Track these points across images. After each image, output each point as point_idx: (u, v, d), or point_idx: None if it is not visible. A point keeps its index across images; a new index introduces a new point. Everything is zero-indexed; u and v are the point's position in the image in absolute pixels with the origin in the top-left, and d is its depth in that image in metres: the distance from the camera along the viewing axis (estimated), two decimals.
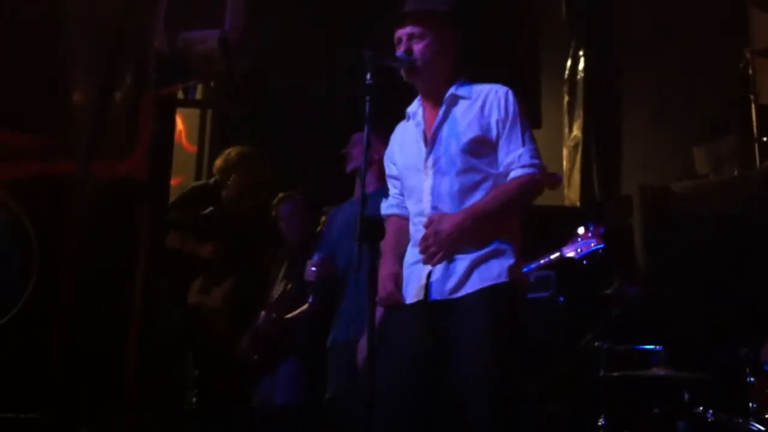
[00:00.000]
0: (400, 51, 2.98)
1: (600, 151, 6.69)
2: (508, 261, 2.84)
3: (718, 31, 6.08)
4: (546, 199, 6.75)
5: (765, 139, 5.55)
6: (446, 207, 2.89)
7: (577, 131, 6.81)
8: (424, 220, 2.90)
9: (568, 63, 7.01)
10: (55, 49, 5.51)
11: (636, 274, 5.21)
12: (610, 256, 5.19)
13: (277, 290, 4.92)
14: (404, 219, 3.07)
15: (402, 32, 3.01)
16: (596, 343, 4.32)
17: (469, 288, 2.81)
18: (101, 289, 5.18)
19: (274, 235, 5.09)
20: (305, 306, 4.72)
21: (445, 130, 2.96)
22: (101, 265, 5.26)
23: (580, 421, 4.41)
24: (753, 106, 5.70)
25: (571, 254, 4.07)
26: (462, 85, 3.02)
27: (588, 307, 4.75)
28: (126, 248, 5.42)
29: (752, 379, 3.78)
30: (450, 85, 3.01)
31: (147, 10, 5.51)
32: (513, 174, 2.88)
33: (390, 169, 3.16)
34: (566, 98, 7.00)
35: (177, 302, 5.49)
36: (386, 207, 3.17)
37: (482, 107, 2.94)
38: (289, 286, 4.87)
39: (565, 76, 7.03)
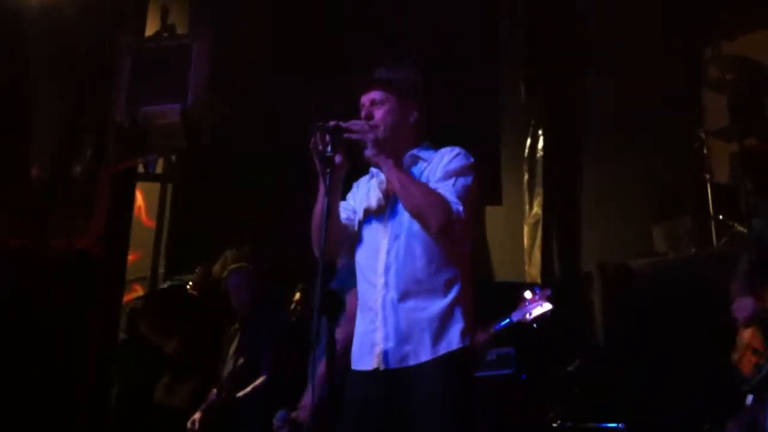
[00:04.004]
0: (361, 117, 3.00)
1: (560, 228, 6.74)
2: (459, 325, 2.82)
3: (673, 112, 6.22)
4: (507, 275, 6.88)
5: (721, 217, 5.63)
6: (401, 266, 2.86)
7: (537, 208, 6.87)
8: (380, 278, 2.88)
9: (528, 141, 7.12)
10: (14, 124, 5.50)
11: (596, 352, 5.19)
12: (571, 333, 5.21)
13: (228, 366, 4.82)
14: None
15: (365, 98, 3.03)
16: (558, 422, 4.26)
17: (422, 357, 2.77)
18: (50, 372, 5.07)
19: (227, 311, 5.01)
20: (259, 381, 4.63)
21: None
22: (52, 342, 5.16)
23: None
24: (708, 185, 5.79)
25: (520, 319, 4.05)
26: (424, 149, 3.04)
27: (550, 384, 4.71)
28: (79, 325, 5.32)
29: None
30: (412, 149, 3.03)
31: (108, 85, 5.53)
32: None
33: (346, 215, 3.10)
34: (526, 176, 7.08)
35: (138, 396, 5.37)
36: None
37: (435, 164, 2.96)
38: (240, 360, 4.77)
39: (525, 154, 7.12)
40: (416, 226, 2.87)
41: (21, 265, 5.20)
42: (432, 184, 2.88)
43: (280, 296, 5.08)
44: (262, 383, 4.63)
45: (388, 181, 2.91)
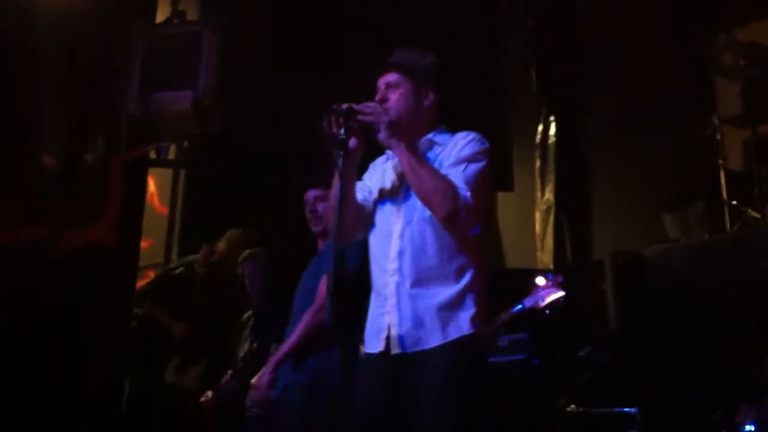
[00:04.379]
0: (376, 99, 3.00)
1: (572, 215, 6.73)
2: (469, 311, 2.82)
3: (685, 99, 6.20)
4: (519, 262, 6.88)
5: (734, 203, 5.61)
6: (413, 251, 2.87)
7: (549, 195, 6.86)
8: (393, 263, 2.88)
9: (540, 128, 7.10)
10: (26, 114, 5.51)
11: (609, 338, 5.18)
12: (583, 320, 5.21)
13: (243, 350, 4.85)
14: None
15: (381, 81, 3.03)
16: (570, 407, 4.27)
17: (432, 342, 2.78)
18: (64, 356, 5.10)
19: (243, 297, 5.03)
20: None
21: None
22: (65, 332, 5.19)
23: None
24: (721, 171, 5.77)
25: (532, 305, 4.05)
26: (439, 132, 3.04)
27: (562, 370, 4.71)
28: (91, 316, 5.34)
29: None
30: (427, 134, 3.03)
31: (119, 74, 5.53)
32: None
33: (362, 185, 3.11)
34: (538, 163, 7.07)
35: (151, 378, 5.39)
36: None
37: (450, 149, 2.95)
38: (255, 345, 4.80)
39: (537, 141, 7.11)
40: (429, 211, 2.88)
41: (33, 257, 5.21)
42: (443, 170, 2.88)
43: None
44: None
45: (399, 164, 2.91)
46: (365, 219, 3.04)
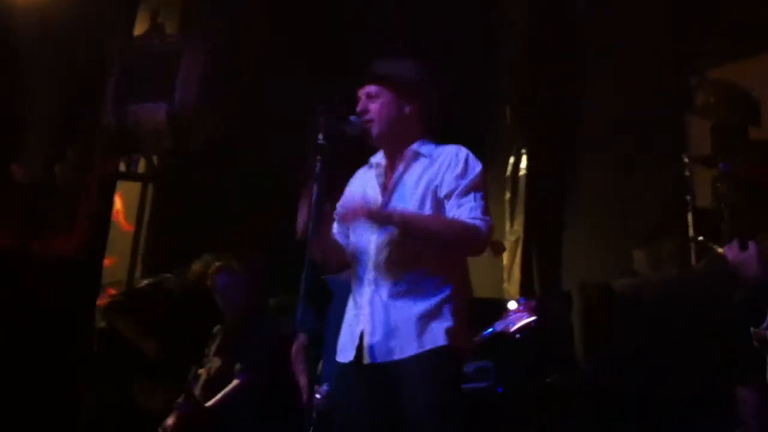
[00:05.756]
0: (357, 110, 2.99)
1: (541, 247, 6.75)
2: (446, 323, 2.80)
3: (657, 137, 6.27)
4: (485, 293, 6.86)
5: (700, 239, 5.66)
6: (390, 263, 2.85)
7: (518, 227, 6.89)
8: (370, 273, 2.86)
9: (511, 160, 7.14)
10: (4, 125, 5.44)
11: (575, 368, 5.17)
12: (550, 349, 5.19)
13: (207, 368, 4.76)
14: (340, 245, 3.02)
15: (361, 92, 3.03)
16: None
17: (407, 351, 2.75)
18: (32, 369, 4.99)
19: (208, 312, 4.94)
20: (232, 386, 4.56)
21: (403, 184, 2.96)
22: (26, 342, 5.08)
23: None
24: (690, 207, 5.83)
25: (503, 329, 4.04)
26: (425, 143, 3.03)
27: (527, 398, 4.68)
28: (59, 328, 5.24)
29: None
30: (412, 143, 3.02)
31: (96, 85, 5.50)
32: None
33: (339, 210, 3.10)
34: (508, 194, 7.10)
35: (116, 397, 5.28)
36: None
37: (440, 167, 2.94)
38: (218, 364, 4.71)
39: (508, 173, 7.14)
40: None
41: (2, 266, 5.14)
42: (453, 201, 2.86)
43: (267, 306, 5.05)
44: (232, 389, 4.58)
45: (409, 228, 2.85)
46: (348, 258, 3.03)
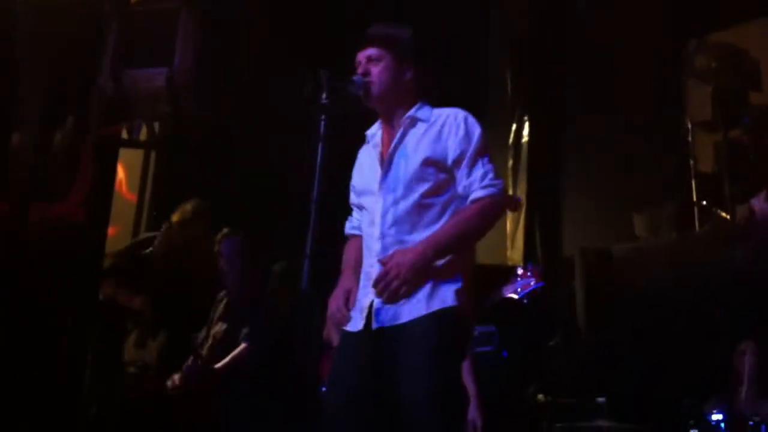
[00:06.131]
0: (358, 73, 2.96)
1: (543, 214, 6.76)
2: (454, 285, 2.78)
3: (657, 101, 6.26)
4: (489, 259, 6.88)
5: (704, 203, 5.67)
6: (397, 229, 2.83)
7: (520, 194, 6.89)
8: (377, 244, 2.84)
9: (513, 128, 7.14)
10: None
11: (577, 331, 5.20)
12: (553, 315, 5.22)
13: (212, 332, 4.78)
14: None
15: (361, 55, 2.99)
16: (539, 396, 4.26)
17: (415, 313, 2.73)
18: (29, 331, 5.01)
19: (216, 277, 4.95)
20: (238, 350, 4.59)
21: (401, 151, 2.92)
22: (33, 307, 5.09)
23: None
24: (692, 172, 5.83)
25: (511, 294, 4.05)
26: (422, 107, 3.00)
27: (530, 361, 4.72)
28: (59, 293, 5.25)
29: (695, 430, 3.77)
30: (409, 108, 3.00)
31: (92, 49, 5.46)
32: (473, 195, 2.83)
33: (352, 197, 3.11)
34: (510, 162, 7.11)
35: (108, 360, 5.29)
36: (349, 227, 3.10)
37: (440, 130, 2.91)
38: (224, 327, 4.73)
39: (510, 141, 7.14)
40: (412, 192, 2.85)
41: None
42: (462, 170, 2.82)
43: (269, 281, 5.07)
44: (239, 353, 4.60)
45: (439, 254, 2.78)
46: None
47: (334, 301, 2.83)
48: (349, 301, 2.82)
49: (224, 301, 4.82)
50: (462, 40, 6.99)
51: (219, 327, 4.75)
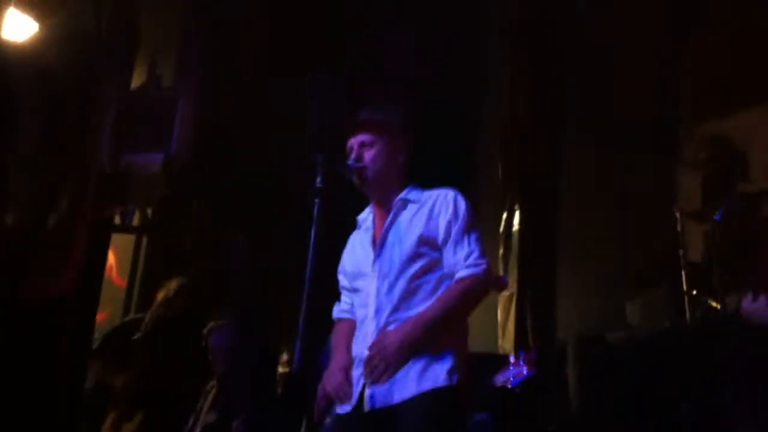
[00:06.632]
0: (350, 159, 3.02)
1: (535, 302, 6.75)
2: (446, 364, 2.78)
3: (648, 190, 6.33)
4: (481, 347, 6.83)
5: (694, 293, 5.67)
6: (392, 309, 2.84)
7: (511, 283, 6.89)
8: (371, 324, 2.85)
9: (504, 216, 7.18)
10: None
11: (572, 419, 5.14)
12: (546, 402, 5.16)
13: (201, 421, 4.72)
14: (354, 324, 3.01)
15: (353, 141, 3.06)
16: None
17: (406, 393, 2.72)
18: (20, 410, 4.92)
19: (203, 365, 4.92)
20: None
21: (393, 233, 2.97)
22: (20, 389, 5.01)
23: None
24: (682, 262, 5.84)
25: (503, 382, 4.02)
26: (413, 190, 3.05)
27: None
28: (47, 377, 5.18)
29: None
30: (401, 191, 3.04)
31: (89, 133, 5.52)
32: (458, 274, 2.86)
33: (341, 281, 3.13)
34: (501, 250, 7.12)
35: None
36: (338, 311, 3.11)
37: (431, 210, 2.96)
38: (214, 417, 4.68)
39: (501, 228, 7.18)
40: (405, 271, 2.87)
41: None
42: (449, 247, 2.88)
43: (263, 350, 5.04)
44: None
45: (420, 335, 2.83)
46: None
47: (333, 379, 2.82)
48: (348, 378, 2.82)
49: (214, 391, 4.78)
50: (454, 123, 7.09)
51: (211, 417, 4.70)
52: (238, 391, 4.74)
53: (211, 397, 4.81)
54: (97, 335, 6.32)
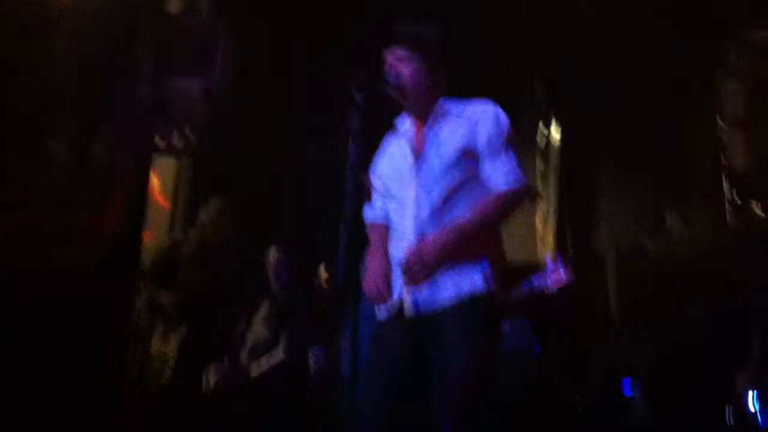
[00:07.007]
0: (388, 74, 3.02)
1: (574, 213, 6.76)
2: (484, 270, 2.84)
3: (691, 99, 6.24)
4: (519, 258, 6.89)
5: (737, 200, 5.66)
6: (429, 217, 2.89)
7: (551, 197, 6.90)
8: (408, 231, 2.91)
9: (542, 131, 7.15)
10: (38, 102, 5.54)
11: (610, 329, 5.22)
12: (585, 311, 5.23)
13: (253, 336, 4.88)
14: (388, 228, 3.07)
15: (390, 55, 3.05)
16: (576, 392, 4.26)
17: (446, 300, 2.80)
18: (65, 340, 5.11)
19: (256, 284, 5.07)
20: (275, 358, 4.68)
21: (433, 143, 2.99)
22: (69, 316, 5.20)
23: None
24: (724, 168, 5.82)
25: (541, 284, 4.06)
26: (452, 101, 3.06)
27: (564, 358, 4.73)
28: (103, 300, 5.36)
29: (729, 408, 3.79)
30: (440, 102, 3.06)
31: (130, 58, 5.56)
32: (497, 188, 2.90)
33: (375, 183, 3.16)
34: (541, 166, 7.12)
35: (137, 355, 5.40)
36: (372, 216, 3.15)
37: (470, 122, 2.97)
38: (265, 334, 4.84)
39: (539, 143, 7.16)
40: (444, 180, 2.91)
41: (45, 239, 5.24)
42: (487, 162, 2.92)
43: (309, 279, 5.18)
44: (276, 363, 4.69)
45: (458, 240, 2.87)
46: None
47: (373, 283, 2.88)
48: (388, 282, 2.88)
49: (267, 307, 4.92)
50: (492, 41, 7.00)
51: (258, 331, 4.85)
52: (291, 307, 4.89)
53: (265, 310, 4.96)
54: (145, 255, 6.51)
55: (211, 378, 4.73)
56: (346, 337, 3.49)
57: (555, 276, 4.05)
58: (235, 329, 4.96)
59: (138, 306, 5.50)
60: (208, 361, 4.84)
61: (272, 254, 4.99)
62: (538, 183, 7.12)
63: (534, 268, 5.58)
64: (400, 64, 3.04)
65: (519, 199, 2.92)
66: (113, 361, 5.22)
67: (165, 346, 5.19)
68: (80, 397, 4.91)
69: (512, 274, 4.91)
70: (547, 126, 7.23)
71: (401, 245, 2.92)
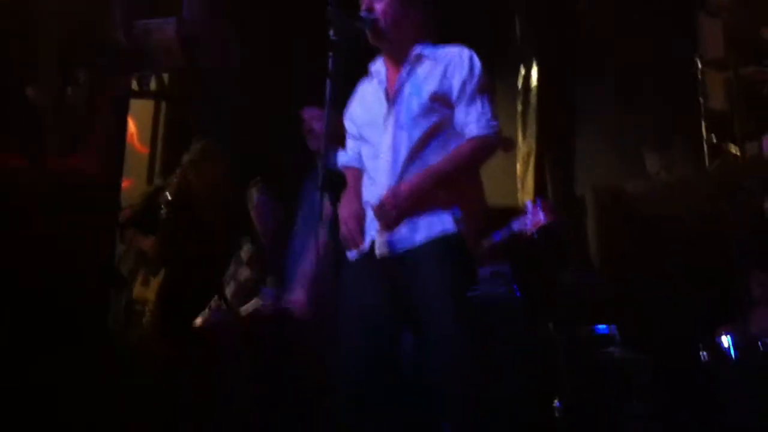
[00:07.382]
0: (362, 10, 2.99)
1: (553, 157, 6.76)
2: (455, 213, 2.86)
3: (668, 39, 6.22)
4: (500, 201, 6.91)
5: (714, 140, 5.68)
6: (403, 162, 2.89)
7: (530, 139, 6.88)
8: (382, 176, 2.90)
9: (522, 72, 7.10)
10: (12, 46, 5.44)
11: (590, 267, 5.26)
12: (564, 252, 5.25)
13: (238, 276, 4.88)
14: (362, 172, 3.06)
15: None
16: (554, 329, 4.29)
17: (417, 240, 2.82)
18: (42, 289, 5.08)
19: (237, 225, 5.03)
20: (264, 299, 4.69)
21: (408, 87, 2.98)
22: (51, 261, 5.17)
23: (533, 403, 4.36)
24: (702, 109, 5.83)
25: (521, 228, 4.05)
26: (427, 46, 3.04)
27: (544, 298, 4.76)
28: (77, 246, 5.33)
29: (705, 353, 3.85)
30: (414, 46, 3.03)
31: (105, 2, 5.46)
32: (470, 133, 2.89)
33: (349, 127, 3.15)
34: (519, 107, 7.09)
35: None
36: (345, 160, 3.14)
37: (446, 67, 2.96)
38: (249, 274, 4.84)
39: (518, 85, 7.12)
40: (418, 125, 2.90)
41: (9, 184, 5.18)
42: (461, 107, 2.90)
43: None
44: (263, 305, 4.70)
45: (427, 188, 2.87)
46: None
47: (346, 227, 2.89)
48: (361, 225, 2.89)
49: (249, 248, 4.91)
50: None
51: (243, 272, 4.85)
52: (276, 247, 4.87)
53: (249, 251, 4.95)
54: (124, 203, 6.47)
55: (198, 319, 4.75)
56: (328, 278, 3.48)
57: (534, 219, 4.05)
58: (221, 272, 4.95)
59: (119, 253, 5.48)
60: (190, 305, 4.84)
61: (254, 195, 4.93)
62: (518, 124, 7.10)
63: (515, 212, 5.61)
64: (374, 1, 3.01)
65: (493, 144, 2.91)
66: (94, 310, 5.21)
67: (145, 290, 5.19)
68: (61, 346, 4.90)
69: (494, 219, 4.94)
70: (527, 68, 7.18)
71: (375, 190, 2.92)
